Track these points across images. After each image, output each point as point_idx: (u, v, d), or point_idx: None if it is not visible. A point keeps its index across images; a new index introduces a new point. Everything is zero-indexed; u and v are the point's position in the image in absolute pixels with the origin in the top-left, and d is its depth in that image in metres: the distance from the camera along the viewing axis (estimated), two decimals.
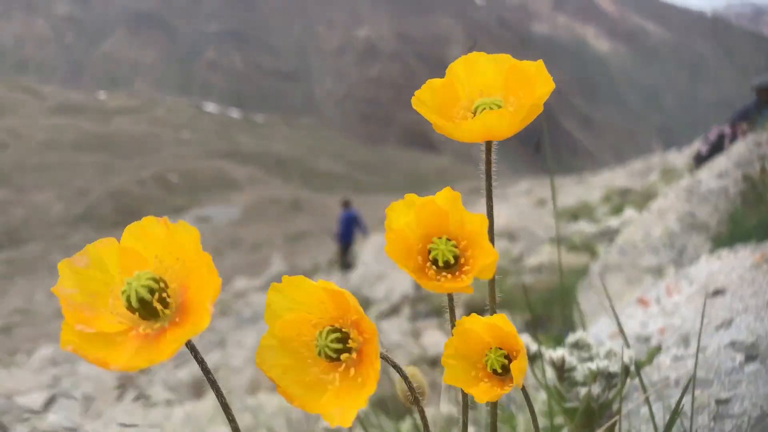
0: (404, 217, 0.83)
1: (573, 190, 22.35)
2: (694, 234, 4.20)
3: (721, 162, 4.77)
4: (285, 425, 3.26)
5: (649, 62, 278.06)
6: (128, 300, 0.72)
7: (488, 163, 0.93)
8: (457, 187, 0.94)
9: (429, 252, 0.81)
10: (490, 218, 0.90)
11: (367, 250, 10.74)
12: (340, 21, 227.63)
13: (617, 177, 24.27)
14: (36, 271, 38.36)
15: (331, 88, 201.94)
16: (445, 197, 0.82)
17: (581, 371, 1.14)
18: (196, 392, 6.12)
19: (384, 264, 9.49)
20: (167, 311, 0.72)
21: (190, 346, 0.76)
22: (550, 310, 4.59)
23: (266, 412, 3.82)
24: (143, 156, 68.14)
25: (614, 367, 1.13)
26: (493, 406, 0.91)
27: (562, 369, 1.13)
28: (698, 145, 9.00)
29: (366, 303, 8.11)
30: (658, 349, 1.14)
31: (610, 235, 7.66)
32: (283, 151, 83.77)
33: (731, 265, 1.81)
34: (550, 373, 1.18)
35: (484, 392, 0.80)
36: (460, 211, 0.81)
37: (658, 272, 3.92)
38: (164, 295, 0.72)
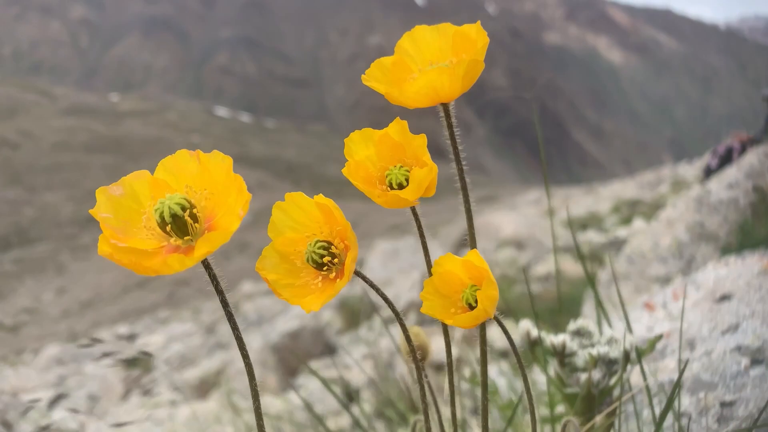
0: (364, 150, 0.93)
1: (582, 201, 22.28)
2: (703, 244, 4.18)
3: (731, 173, 4.75)
4: (288, 425, 3.26)
5: (661, 74, 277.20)
6: (161, 216, 0.75)
7: (450, 126, 0.95)
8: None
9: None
10: (462, 182, 0.97)
11: (373, 256, 10.74)
12: (352, 29, 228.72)
13: (627, 188, 24.16)
14: (45, 271, 38.62)
15: (342, 95, 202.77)
16: (396, 129, 0.91)
17: (582, 357, 1.14)
18: (201, 393, 6.14)
19: (389, 270, 9.49)
20: (197, 225, 0.76)
21: (206, 263, 0.79)
22: (557, 319, 4.56)
23: (270, 414, 3.82)
24: (154, 159, 68.42)
25: (615, 353, 1.13)
26: (484, 387, 0.92)
27: (562, 354, 1.13)
28: (708, 159, 9.00)
29: (372, 308, 8.10)
30: (659, 337, 1.14)
31: (618, 245, 7.63)
32: (293, 157, 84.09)
33: (738, 271, 1.80)
34: (552, 373, 1.18)
35: (460, 321, 0.83)
36: (408, 137, 0.90)
37: (665, 282, 3.91)
38: (194, 211, 0.76)
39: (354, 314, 8.06)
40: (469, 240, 0.94)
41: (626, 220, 10.76)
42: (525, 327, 1.14)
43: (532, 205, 24.39)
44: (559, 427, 1.16)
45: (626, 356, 1.14)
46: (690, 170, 21.48)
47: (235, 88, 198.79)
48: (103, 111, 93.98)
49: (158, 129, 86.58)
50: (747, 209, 4.28)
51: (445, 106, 0.93)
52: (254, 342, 6.79)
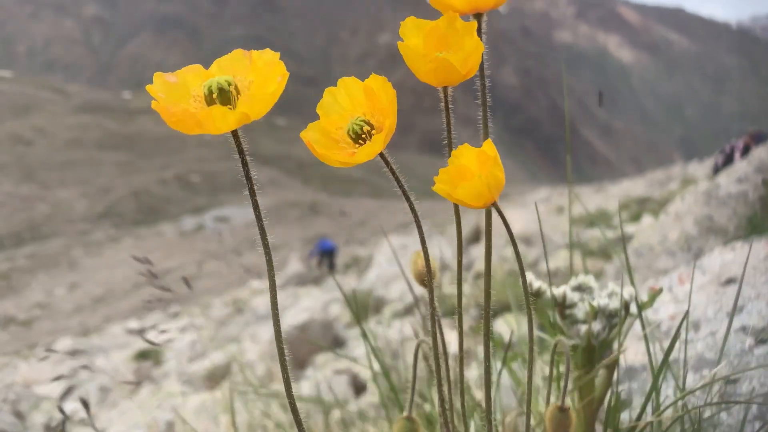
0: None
1: (592, 199, 22.17)
2: (711, 237, 4.16)
3: (741, 167, 4.73)
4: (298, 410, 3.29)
5: (672, 73, 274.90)
6: (208, 89, 0.84)
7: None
8: None
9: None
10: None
11: (381, 252, 10.77)
12: (362, 27, 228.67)
13: (636, 186, 24.03)
14: (57, 266, 38.98)
15: None
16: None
17: (582, 309, 1.15)
18: (211, 384, 6.19)
19: (397, 266, 9.51)
20: (239, 96, 0.85)
21: (234, 133, 0.90)
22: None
23: (277, 402, 3.86)
24: (166, 156, 69.01)
25: (615, 303, 1.14)
26: (486, 327, 0.93)
27: (563, 306, 1.14)
28: (716, 157, 9.02)
29: (380, 303, 8.13)
30: (660, 291, 1.15)
31: (626, 240, 7.60)
32: (303, 155, 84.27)
33: (745, 255, 1.81)
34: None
35: (465, 192, 0.90)
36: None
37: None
38: (238, 87, 0.85)
39: (362, 309, 8.09)
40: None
41: (635, 217, 10.71)
42: (528, 279, 1.15)
43: (542, 203, 24.29)
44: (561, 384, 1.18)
45: (626, 306, 1.16)
46: (700, 169, 21.32)
47: None
48: (115, 108, 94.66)
49: (170, 127, 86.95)
50: (756, 203, 4.27)
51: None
52: (264, 334, 6.84)
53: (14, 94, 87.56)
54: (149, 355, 10.60)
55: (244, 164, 0.88)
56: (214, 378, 6.26)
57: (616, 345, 1.16)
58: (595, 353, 1.12)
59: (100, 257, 40.46)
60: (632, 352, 1.60)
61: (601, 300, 1.14)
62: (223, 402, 4.20)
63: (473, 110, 1.03)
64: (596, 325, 1.12)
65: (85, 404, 2.09)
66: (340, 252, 23.02)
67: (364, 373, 4.83)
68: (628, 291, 1.14)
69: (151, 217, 48.10)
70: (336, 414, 3.20)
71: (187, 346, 9.77)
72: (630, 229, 8.16)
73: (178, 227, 44.62)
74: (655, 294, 1.14)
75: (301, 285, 15.90)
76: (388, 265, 9.45)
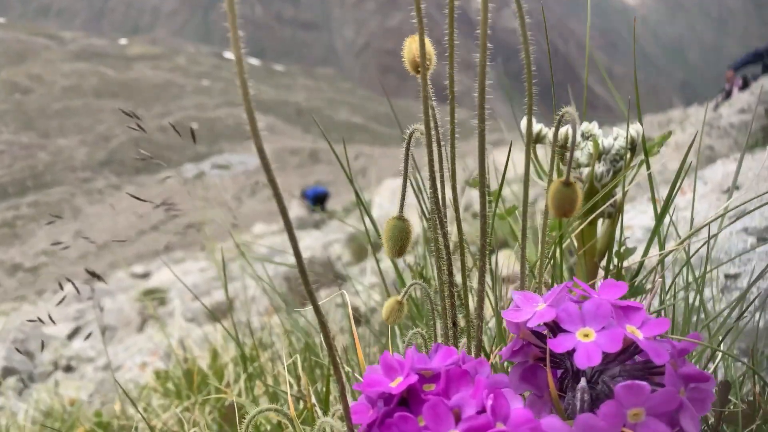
0: None
1: None
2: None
3: (743, 98, 4.65)
4: (296, 339, 3.37)
5: (674, 14, 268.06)
6: None
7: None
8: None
9: None
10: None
11: (383, 192, 10.76)
12: None
13: (636, 128, 23.77)
14: (61, 214, 39.16)
15: (351, 37, 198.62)
16: None
17: (585, 152, 1.12)
18: (214, 320, 6.29)
19: (396, 205, 9.50)
20: None
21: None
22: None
23: (276, 331, 3.95)
24: (164, 103, 68.23)
25: (621, 142, 1.10)
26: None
27: (564, 147, 1.10)
28: (716, 99, 9.03)
29: (379, 243, 8.16)
30: (669, 134, 1.11)
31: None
32: (302, 101, 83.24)
33: (748, 165, 1.78)
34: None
35: None
36: None
37: None
38: None
39: (362, 249, 8.15)
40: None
41: (641, 165, 10.62)
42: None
43: (542, 147, 24.09)
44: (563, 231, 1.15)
45: (632, 144, 1.12)
46: (701, 112, 21.06)
47: (243, 31, 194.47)
48: (112, 55, 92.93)
49: (168, 73, 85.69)
50: (758, 132, 4.21)
51: None
52: (269, 271, 6.90)
53: (9, 41, 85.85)
54: (154, 296, 10.74)
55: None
56: (218, 314, 6.35)
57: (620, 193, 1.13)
58: (599, 200, 1.09)
59: (103, 205, 40.61)
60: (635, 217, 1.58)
61: (605, 141, 1.10)
62: (224, 334, 4.27)
63: (473, 55, 0.98)
64: (599, 168, 1.09)
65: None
66: (338, 197, 23.11)
67: (363, 309, 4.89)
68: (634, 128, 1.10)
69: (151, 164, 47.97)
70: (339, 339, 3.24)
71: (190, 287, 9.90)
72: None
73: (179, 174, 44.56)
74: (664, 136, 1.10)
75: (302, 228, 15.98)
76: (389, 205, 9.46)
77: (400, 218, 0.91)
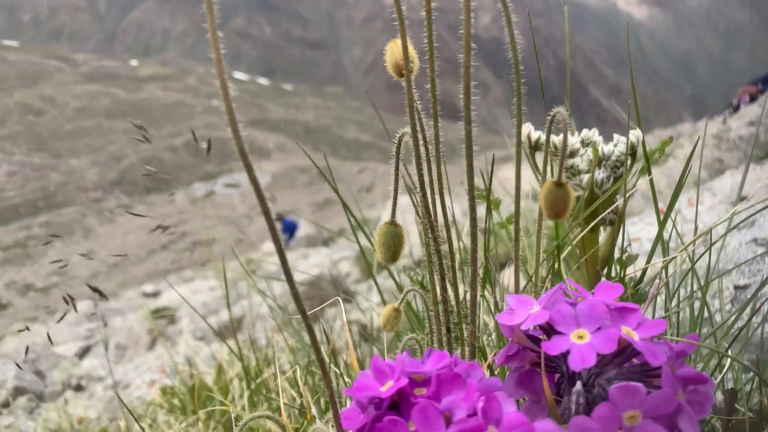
0: None
1: None
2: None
3: (751, 110, 4.63)
4: (300, 356, 3.36)
5: (683, 29, 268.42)
6: None
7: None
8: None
9: None
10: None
11: (390, 209, 10.79)
12: None
13: (636, 134, 23.75)
14: (72, 234, 39.45)
15: (359, 56, 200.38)
16: None
17: (585, 159, 1.11)
18: (223, 339, 6.29)
19: (403, 221, 9.50)
20: None
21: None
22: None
23: (281, 345, 3.96)
24: (175, 123, 68.91)
25: (621, 148, 1.09)
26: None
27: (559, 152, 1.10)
28: (724, 114, 9.05)
29: (409, 306, 8.14)
30: (670, 140, 1.10)
31: (635, 194, 7.55)
32: (311, 119, 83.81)
33: (757, 176, 1.76)
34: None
35: None
36: None
37: None
38: None
39: (370, 266, 8.12)
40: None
41: (643, 171, 10.58)
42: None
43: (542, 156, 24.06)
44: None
45: (632, 150, 1.11)
46: (710, 126, 21.02)
47: (252, 51, 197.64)
48: (123, 76, 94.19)
49: (178, 93, 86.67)
50: (767, 145, 4.18)
51: None
52: (275, 289, 6.89)
53: (22, 64, 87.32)
54: (164, 314, 10.75)
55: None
56: (226, 333, 6.34)
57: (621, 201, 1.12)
58: (599, 207, 1.08)
59: (114, 225, 40.87)
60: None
61: (605, 147, 1.10)
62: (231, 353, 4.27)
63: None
64: (600, 174, 1.08)
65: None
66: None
67: (370, 326, 4.88)
68: (635, 133, 1.09)
69: (162, 184, 48.35)
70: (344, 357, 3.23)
71: (200, 305, 9.90)
72: (639, 183, 8.08)
73: (189, 194, 44.83)
74: (665, 142, 1.09)
75: (311, 246, 15.99)
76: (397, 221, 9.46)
77: (393, 224, 0.91)
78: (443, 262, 0.96)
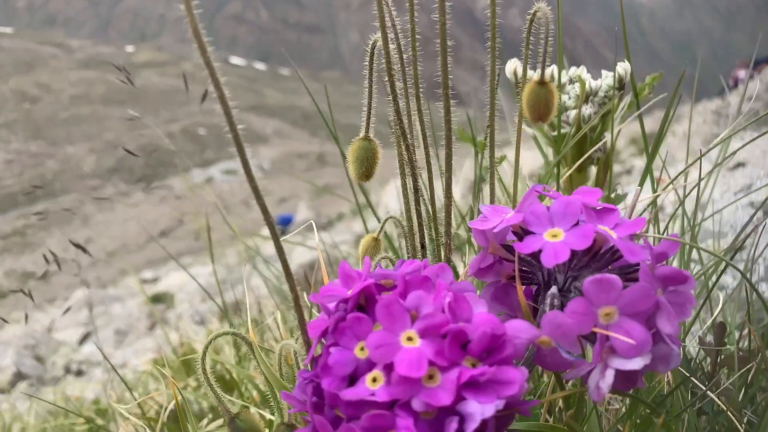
0: None
1: None
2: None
3: (752, 86, 4.60)
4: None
5: (682, 10, 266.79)
6: None
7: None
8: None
9: None
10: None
11: (389, 193, 10.78)
12: None
13: (645, 124, 23.72)
14: (70, 222, 39.41)
15: (356, 41, 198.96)
16: None
17: (573, 94, 1.09)
18: (221, 321, 6.30)
19: (401, 206, 9.51)
20: None
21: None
22: None
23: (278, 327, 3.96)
24: (172, 110, 68.60)
25: (609, 81, 1.07)
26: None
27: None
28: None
29: (388, 240, 8.14)
30: (660, 75, 1.08)
31: (634, 174, 7.53)
32: (308, 104, 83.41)
33: (754, 143, 1.74)
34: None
35: None
36: None
37: None
38: None
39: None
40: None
41: (642, 151, 10.57)
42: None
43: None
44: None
45: (620, 83, 1.09)
46: (709, 106, 21.01)
47: (248, 36, 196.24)
48: (119, 63, 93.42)
49: (175, 79, 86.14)
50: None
51: None
52: (273, 274, 6.90)
53: (17, 50, 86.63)
54: (163, 299, 10.77)
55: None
56: (224, 315, 6.36)
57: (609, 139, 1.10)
58: (586, 143, 1.06)
59: (112, 212, 40.84)
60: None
61: (592, 82, 1.08)
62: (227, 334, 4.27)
63: (480, 55, 0.95)
64: (587, 109, 1.06)
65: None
66: (347, 199, 23.24)
67: None
68: (622, 65, 1.07)
69: (160, 171, 48.25)
70: None
71: (198, 290, 9.92)
72: (638, 162, 8.07)
73: (187, 180, 44.75)
74: (654, 77, 1.07)
75: (310, 231, 16.01)
76: (396, 204, 9.46)
77: (367, 139, 0.87)
78: (416, 174, 0.92)
